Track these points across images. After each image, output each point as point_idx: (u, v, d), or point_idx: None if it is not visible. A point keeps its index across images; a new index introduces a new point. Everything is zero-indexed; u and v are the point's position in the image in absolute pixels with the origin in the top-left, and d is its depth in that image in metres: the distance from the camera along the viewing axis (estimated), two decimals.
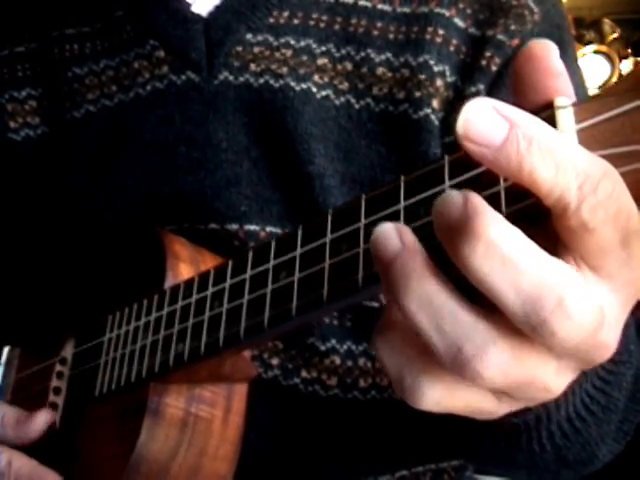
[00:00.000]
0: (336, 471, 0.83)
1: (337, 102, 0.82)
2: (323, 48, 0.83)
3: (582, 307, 0.37)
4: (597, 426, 0.68)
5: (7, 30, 0.91)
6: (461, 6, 0.83)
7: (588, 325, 0.37)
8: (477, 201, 0.37)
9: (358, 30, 0.83)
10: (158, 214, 0.82)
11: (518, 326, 0.38)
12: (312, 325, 0.78)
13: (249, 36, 0.83)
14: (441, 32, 0.82)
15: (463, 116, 0.37)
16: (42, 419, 0.75)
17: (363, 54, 0.82)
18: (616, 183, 0.37)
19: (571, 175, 0.36)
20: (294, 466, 0.82)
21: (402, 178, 0.48)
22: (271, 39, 0.83)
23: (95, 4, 0.88)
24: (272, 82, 0.82)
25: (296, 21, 0.84)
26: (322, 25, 0.83)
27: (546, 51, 0.42)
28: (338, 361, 0.80)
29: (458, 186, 0.43)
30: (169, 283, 0.69)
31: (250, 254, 0.59)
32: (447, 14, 0.82)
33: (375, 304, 0.79)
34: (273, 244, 0.56)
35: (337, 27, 0.83)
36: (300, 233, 0.54)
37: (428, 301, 0.39)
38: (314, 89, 0.81)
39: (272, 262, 0.56)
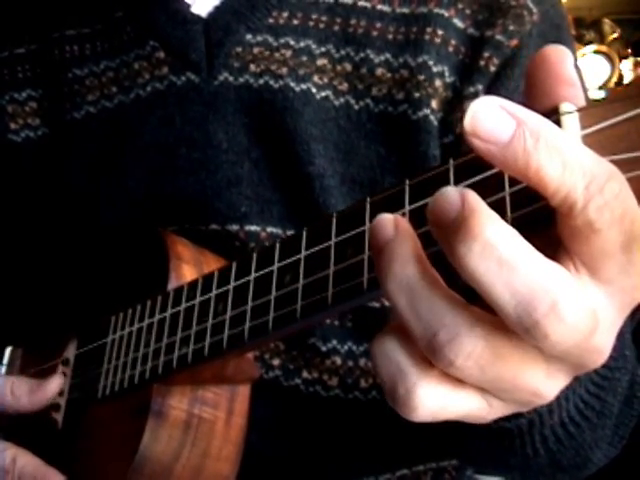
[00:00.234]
0: (337, 470, 0.83)
1: (337, 103, 0.82)
2: (323, 49, 0.83)
3: (576, 311, 0.36)
4: (591, 431, 0.68)
5: (7, 31, 0.91)
6: (460, 6, 0.83)
7: (582, 329, 0.37)
8: (474, 200, 0.37)
9: (357, 31, 0.83)
10: (159, 215, 0.82)
11: (511, 327, 0.37)
12: (313, 326, 0.79)
13: (249, 37, 0.83)
14: (440, 32, 0.82)
15: (470, 113, 0.37)
16: (55, 385, 0.76)
17: (362, 55, 0.82)
18: (622, 185, 0.37)
19: (578, 174, 0.36)
20: (295, 466, 0.82)
21: (407, 182, 0.48)
22: (271, 40, 0.83)
23: (95, 5, 0.88)
24: (272, 83, 0.82)
25: (295, 22, 0.84)
26: (321, 26, 0.84)
27: (561, 57, 0.42)
28: (339, 361, 0.80)
29: None
30: (172, 284, 0.69)
31: (254, 256, 0.59)
32: (446, 14, 0.82)
33: (376, 304, 0.79)
34: (277, 246, 0.57)
35: (336, 28, 0.83)
36: (304, 236, 0.54)
37: (408, 285, 0.39)
38: (314, 90, 0.82)
39: (276, 264, 0.56)
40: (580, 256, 0.38)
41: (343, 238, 0.51)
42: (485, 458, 0.80)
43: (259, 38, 0.83)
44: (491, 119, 0.37)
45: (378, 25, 0.83)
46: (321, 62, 0.82)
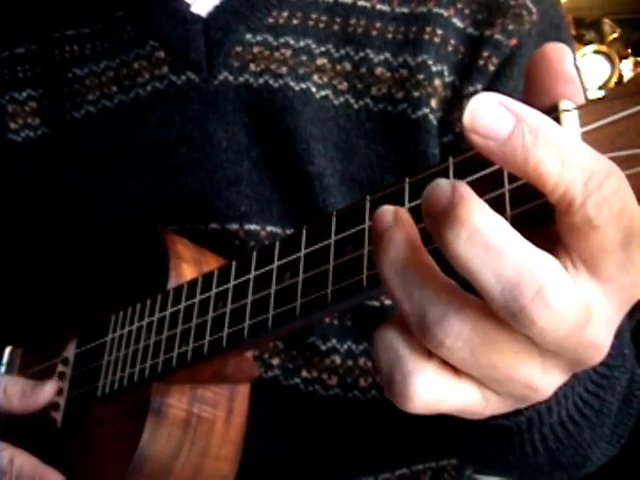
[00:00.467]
0: (336, 470, 0.83)
1: (336, 102, 0.82)
2: (322, 48, 0.83)
3: (564, 298, 0.36)
4: (590, 430, 0.68)
5: (7, 31, 0.91)
6: (459, 6, 0.83)
7: (571, 319, 0.37)
8: (464, 189, 0.37)
9: (357, 30, 0.83)
10: (159, 214, 0.82)
11: (499, 314, 0.38)
12: (312, 325, 0.79)
13: (248, 36, 0.83)
14: (439, 32, 0.82)
15: (470, 109, 0.37)
16: (48, 389, 0.75)
17: (362, 54, 0.82)
18: (621, 182, 0.37)
19: (577, 170, 0.36)
20: (295, 465, 0.82)
21: (406, 180, 0.48)
22: (270, 39, 0.83)
23: (95, 5, 0.88)
24: (271, 82, 0.82)
25: (295, 21, 0.84)
26: (321, 25, 0.84)
27: (560, 54, 0.42)
28: (338, 361, 0.80)
29: None
30: (172, 283, 0.69)
31: (254, 255, 0.59)
32: (445, 14, 0.82)
33: (376, 303, 0.79)
34: (277, 245, 0.57)
35: (336, 27, 0.84)
36: (304, 234, 0.54)
37: (402, 268, 0.40)
38: (313, 89, 0.82)
39: (276, 263, 0.56)
40: (579, 253, 0.38)
41: (343, 236, 0.51)
42: (484, 457, 0.80)
43: (259, 37, 0.83)
44: (490, 115, 0.37)
45: (377, 25, 0.83)
46: (321, 61, 0.83)
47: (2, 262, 0.91)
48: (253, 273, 0.58)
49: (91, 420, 0.74)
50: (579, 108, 0.40)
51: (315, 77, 0.82)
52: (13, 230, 0.89)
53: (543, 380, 0.41)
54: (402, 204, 0.47)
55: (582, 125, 0.40)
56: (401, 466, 0.85)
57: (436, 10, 0.82)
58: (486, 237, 0.37)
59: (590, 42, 3.40)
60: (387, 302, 0.79)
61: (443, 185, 0.38)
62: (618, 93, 0.39)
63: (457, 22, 0.82)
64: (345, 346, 0.80)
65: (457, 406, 0.42)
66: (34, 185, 0.87)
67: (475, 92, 0.80)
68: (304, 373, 0.80)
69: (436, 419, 0.70)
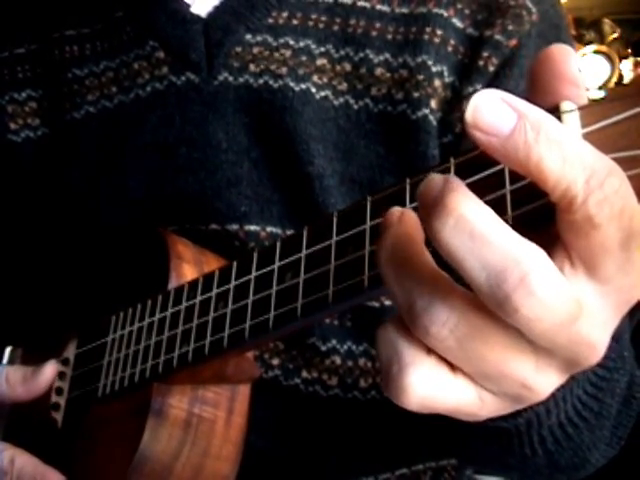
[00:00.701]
0: (336, 470, 0.83)
1: (336, 102, 0.82)
2: (322, 49, 0.83)
3: (549, 288, 0.37)
4: (589, 432, 0.68)
5: (7, 31, 0.91)
6: (459, 6, 0.83)
7: (559, 312, 0.37)
8: (455, 182, 0.38)
9: (357, 31, 0.83)
10: (159, 215, 0.82)
11: (485, 302, 0.38)
12: (313, 325, 0.79)
13: (248, 36, 0.83)
14: (439, 32, 0.82)
15: (472, 106, 0.38)
16: (49, 371, 0.76)
17: (362, 55, 0.82)
18: (622, 181, 0.37)
19: (578, 168, 0.36)
20: (295, 465, 0.82)
21: (408, 181, 0.48)
22: (270, 39, 0.83)
23: (95, 5, 0.88)
24: (271, 82, 0.82)
25: (295, 22, 0.84)
26: (321, 26, 0.84)
27: (564, 56, 0.42)
28: (339, 361, 0.80)
29: None
30: (173, 284, 0.70)
31: (255, 255, 0.59)
32: (445, 14, 0.82)
33: (376, 304, 0.79)
34: (278, 245, 0.57)
35: (336, 28, 0.84)
36: (305, 234, 0.54)
37: (397, 257, 0.41)
38: (313, 89, 0.82)
39: (277, 263, 0.56)
40: (578, 252, 0.39)
41: (344, 237, 0.51)
42: (484, 458, 0.80)
43: (259, 38, 0.83)
44: (492, 111, 0.37)
45: (377, 25, 0.83)
46: (320, 62, 0.83)
47: (2, 262, 0.91)
48: (254, 273, 0.58)
49: (92, 420, 0.74)
50: (580, 109, 0.40)
51: (315, 77, 0.82)
52: (13, 230, 0.89)
53: (538, 379, 0.41)
54: (403, 205, 0.47)
55: (583, 126, 0.40)
56: (401, 466, 0.85)
57: (436, 10, 0.82)
58: (472, 225, 0.37)
59: (590, 42, 3.40)
60: (387, 303, 0.79)
61: (436, 178, 0.39)
62: (619, 94, 0.40)
63: (457, 22, 0.82)
64: (345, 347, 0.80)
65: (452, 404, 0.42)
66: (34, 185, 0.87)
67: (475, 92, 0.80)
68: (304, 373, 0.80)
69: (436, 419, 0.70)
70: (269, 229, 0.81)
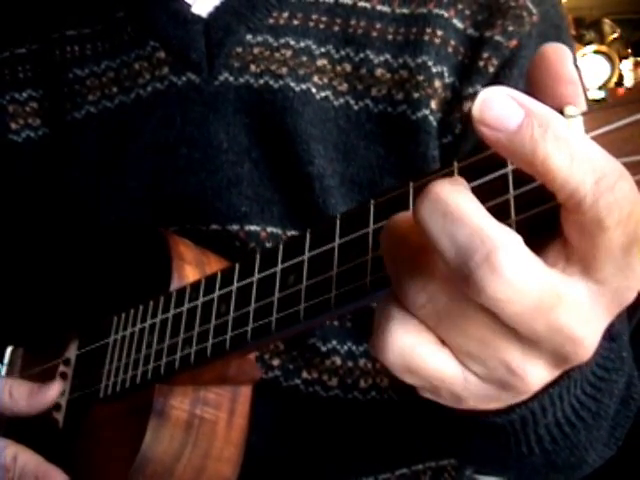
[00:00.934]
0: (336, 470, 0.83)
1: (336, 103, 0.82)
2: (322, 49, 0.83)
3: (517, 270, 0.37)
4: (587, 432, 0.68)
5: (8, 32, 0.91)
6: (460, 7, 0.83)
7: (530, 296, 0.38)
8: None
9: (357, 31, 0.83)
10: (160, 215, 0.82)
11: (455, 280, 0.39)
12: (315, 327, 0.79)
13: (249, 37, 0.83)
14: (440, 33, 0.82)
15: (479, 101, 0.38)
16: (55, 390, 0.76)
17: (362, 55, 0.82)
18: (632, 186, 0.37)
19: (587, 168, 0.36)
20: (295, 466, 0.82)
21: (411, 184, 0.48)
22: (271, 40, 0.83)
23: (96, 5, 0.88)
24: (272, 83, 0.82)
25: (296, 22, 0.84)
26: (322, 26, 0.84)
27: (560, 55, 0.42)
28: (339, 362, 0.80)
29: None
30: (175, 285, 0.70)
31: (257, 257, 0.59)
32: (446, 15, 0.82)
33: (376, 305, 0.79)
34: (281, 248, 0.57)
35: (336, 28, 0.83)
36: (308, 237, 0.54)
37: (396, 239, 0.43)
38: (313, 90, 0.82)
39: (280, 266, 0.56)
40: (579, 251, 0.39)
41: (347, 240, 0.51)
42: (482, 457, 0.80)
43: (259, 38, 0.83)
44: (500, 106, 0.38)
45: (378, 26, 0.83)
46: (321, 62, 0.83)
47: (3, 262, 0.91)
48: (257, 276, 0.58)
49: (93, 421, 0.74)
50: (584, 114, 0.40)
51: (315, 78, 0.82)
52: (14, 230, 0.89)
53: (525, 366, 0.42)
54: (407, 208, 0.48)
55: (587, 131, 0.40)
56: (401, 466, 0.85)
57: (436, 11, 0.82)
58: (445, 204, 0.39)
59: (590, 42, 3.40)
60: None
61: None
62: (622, 99, 0.40)
63: (457, 23, 0.82)
64: (345, 347, 0.80)
65: (433, 373, 0.43)
66: (34, 185, 0.87)
67: (475, 93, 0.80)
68: (304, 374, 0.80)
69: (435, 418, 0.70)
70: (269, 229, 0.81)
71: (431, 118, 0.80)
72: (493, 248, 0.37)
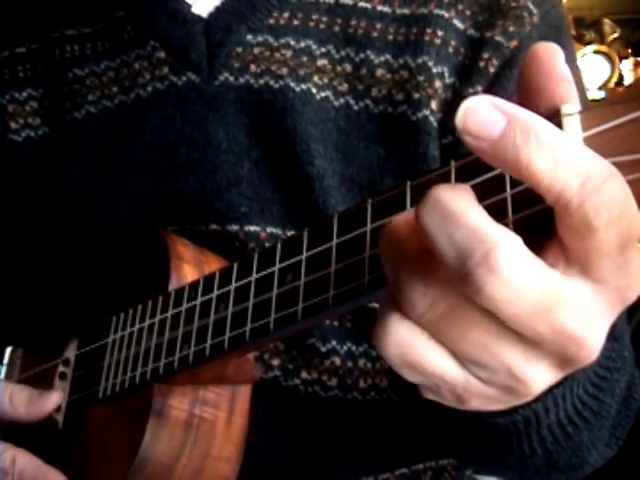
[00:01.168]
0: (336, 470, 0.83)
1: (336, 103, 0.82)
2: (323, 49, 0.83)
3: (515, 271, 0.37)
4: (589, 432, 0.68)
5: (8, 31, 0.91)
6: (460, 7, 0.83)
7: (530, 297, 0.38)
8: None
9: (358, 31, 0.83)
10: (159, 215, 0.82)
11: (455, 281, 0.39)
12: (313, 327, 0.79)
13: (249, 37, 0.83)
14: (440, 33, 0.82)
15: (462, 111, 0.38)
16: (54, 398, 0.76)
17: (362, 55, 0.82)
18: (622, 186, 0.37)
19: (572, 171, 0.36)
20: (295, 466, 0.82)
21: (408, 183, 0.48)
22: (271, 40, 0.83)
23: (96, 5, 0.88)
24: (272, 83, 0.82)
25: (296, 22, 0.84)
26: (322, 26, 0.84)
27: (551, 54, 0.42)
28: (338, 362, 0.80)
29: None
30: (173, 284, 0.70)
31: (255, 257, 0.59)
32: (446, 15, 0.82)
33: (376, 305, 0.79)
34: (279, 247, 0.57)
35: (337, 28, 0.83)
36: (306, 236, 0.54)
37: (396, 241, 0.43)
38: (314, 90, 0.82)
39: (278, 265, 0.56)
40: (574, 252, 0.39)
41: (344, 239, 0.51)
42: (483, 457, 0.80)
43: (259, 38, 0.83)
44: (481, 116, 0.38)
45: (378, 26, 0.83)
46: (321, 62, 0.83)
47: (2, 262, 0.91)
48: (255, 275, 0.58)
49: (92, 421, 0.74)
50: (581, 112, 0.40)
51: (315, 78, 0.82)
52: (13, 230, 0.89)
53: (528, 370, 0.41)
54: (404, 208, 0.48)
55: (584, 129, 0.40)
56: (401, 466, 0.85)
57: (437, 11, 0.82)
58: (444, 206, 0.39)
59: (590, 42, 3.41)
60: None
61: None
62: (620, 97, 0.40)
63: (458, 23, 0.82)
64: (345, 347, 0.80)
65: (431, 368, 0.43)
66: (34, 185, 0.87)
67: (475, 94, 0.80)
68: (304, 374, 0.80)
69: (436, 419, 0.70)
70: (269, 229, 0.81)
71: (431, 118, 0.80)
72: (492, 248, 0.37)
